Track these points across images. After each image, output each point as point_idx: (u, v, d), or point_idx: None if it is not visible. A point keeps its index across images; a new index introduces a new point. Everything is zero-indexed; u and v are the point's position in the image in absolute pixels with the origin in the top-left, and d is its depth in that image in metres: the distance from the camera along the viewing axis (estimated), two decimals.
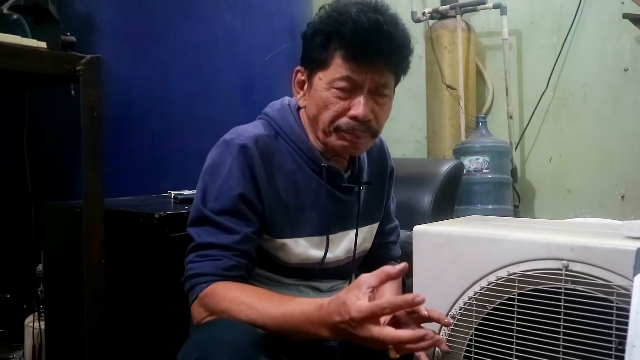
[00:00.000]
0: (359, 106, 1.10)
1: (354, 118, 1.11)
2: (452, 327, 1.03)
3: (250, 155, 1.13)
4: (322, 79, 1.13)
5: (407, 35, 1.14)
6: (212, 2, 2.39)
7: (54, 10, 1.38)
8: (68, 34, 1.41)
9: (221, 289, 1.04)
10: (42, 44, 1.32)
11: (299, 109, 1.23)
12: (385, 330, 0.89)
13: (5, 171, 2.17)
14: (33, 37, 1.32)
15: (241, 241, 1.09)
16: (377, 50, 1.09)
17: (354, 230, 1.26)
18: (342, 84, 1.10)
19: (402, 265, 0.93)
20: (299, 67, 1.20)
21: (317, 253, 1.20)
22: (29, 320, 1.88)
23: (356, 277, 1.34)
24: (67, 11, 2.09)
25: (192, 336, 1.03)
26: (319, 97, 1.13)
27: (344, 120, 1.12)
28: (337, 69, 1.10)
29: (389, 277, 0.93)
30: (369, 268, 1.35)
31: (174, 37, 2.30)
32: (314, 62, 1.15)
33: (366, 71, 1.10)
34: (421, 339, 0.90)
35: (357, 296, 0.91)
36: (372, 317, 0.89)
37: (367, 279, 0.93)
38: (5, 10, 1.33)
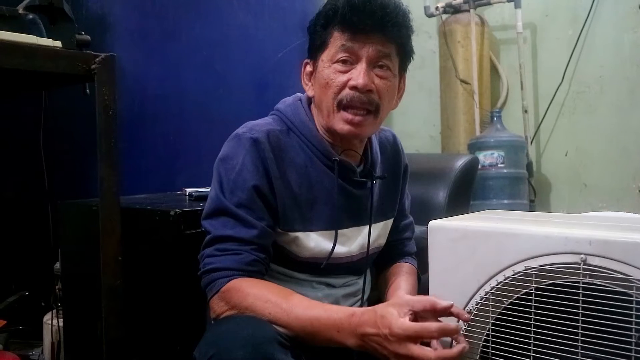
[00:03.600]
0: (358, 76, 1.11)
1: (354, 88, 1.11)
2: (469, 321, 1.02)
3: (262, 149, 1.13)
4: (323, 59, 1.15)
5: (402, 7, 1.15)
6: (225, 0, 2.40)
7: (68, 10, 1.39)
8: (83, 33, 1.42)
9: (247, 285, 1.05)
10: (57, 44, 1.33)
11: (310, 104, 1.24)
12: (427, 351, 0.91)
13: (23, 170, 2.19)
14: (48, 37, 1.33)
15: (259, 235, 1.10)
16: (370, 16, 1.10)
17: (368, 226, 1.26)
18: (340, 54, 1.12)
19: (450, 306, 0.95)
20: (306, 60, 1.22)
21: (329, 247, 1.19)
22: (47, 317, 1.90)
23: (371, 273, 1.35)
24: (81, 10, 2.10)
25: (208, 333, 1.03)
26: (321, 76, 1.15)
27: (345, 93, 1.13)
28: (335, 42, 1.13)
29: (434, 309, 0.95)
30: (384, 264, 1.36)
31: (188, 35, 2.31)
32: (317, 47, 1.17)
33: (364, 40, 1.11)
34: (461, 352, 0.93)
35: (399, 313, 0.93)
36: (416, 337, 0.91)
37: (410, 301, 0.96)
38: (20, 11, 1.34)
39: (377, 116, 1.16)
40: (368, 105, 1.13)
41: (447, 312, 0.95)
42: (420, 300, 0.96)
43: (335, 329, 0.98)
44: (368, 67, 1.12)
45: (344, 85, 1.12)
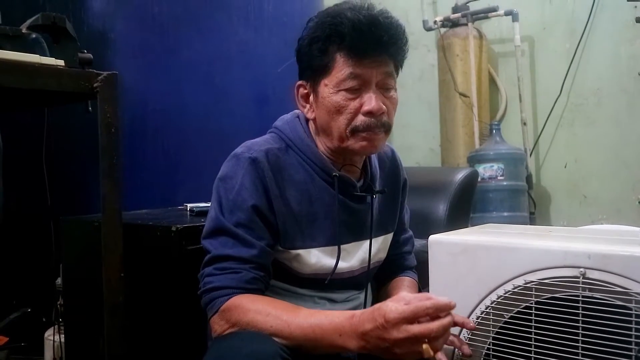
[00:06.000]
0: (371, 101, 1.11)
1: (368, 114, 1.11)
2: (470, 335, 1.03)
3: (261, 168, 1.14)
4: (327, 84, 1.13)
5: (401, 24, 1.15)
6: (225, 15, 2.42)
7: (71, 29, 1.41)
8: (85, 51, 1.43)
9: (247, 302, 1.05)
10: (60, 62, 1.34)
11: (308, 121, 1.24)
12: (427, 324, 0.90)
13: (25, 186, 2.20)
14: (51, 56, 1.34)
15: (259, 255, 1.10)
16: (378, 42, 1.10)
17: (368, 241, 1.26)
18: (350, 83, 1.11)
19: (449, 303, 0.93)
20: (300, 82, 1.21)
21: (330, 263, 1.20)
22: (48, 333, 1.90)
23: (372, 288, 1.35)
24: (83, 28, 2.13)
25: (211, 349, 1.03)
26: (329, 102, 1.13)
27: (359, 120, 1.12)
28: (341, 69, 1.11)
29: (430, 300, 0.94)
30: (384, 278, 1.37)
31: (188, 51, 2.33)
32: (315, 71, 1.15)
33: (371, 65, 1.11)
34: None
35: (394, 304, 0.92)
36: (412, 317, 0.90)
37: (407, 296, 0.95)
38: (24, 30, 1.35)
39: (388, 133, 1.18)
40: (382, 127, 1.14)
41: (447, 309, 0.93)
42: (417, 296, 0.95)
43: (337, 333, 0.98)
44: (377, 91, 1.13)
45: (357, 112, 1.12)
